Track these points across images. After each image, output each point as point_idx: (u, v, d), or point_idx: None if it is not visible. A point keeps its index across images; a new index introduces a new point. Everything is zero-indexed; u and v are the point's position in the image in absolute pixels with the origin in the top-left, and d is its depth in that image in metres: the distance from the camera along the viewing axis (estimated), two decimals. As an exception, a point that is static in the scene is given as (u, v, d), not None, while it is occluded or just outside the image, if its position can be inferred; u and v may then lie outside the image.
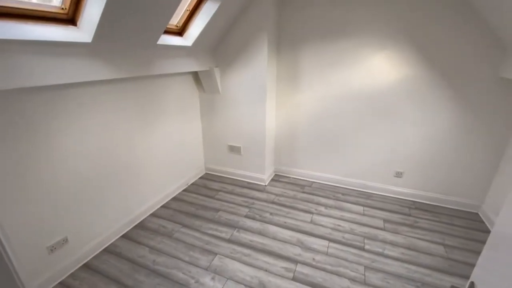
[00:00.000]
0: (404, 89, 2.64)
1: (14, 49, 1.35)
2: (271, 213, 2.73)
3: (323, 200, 2.97)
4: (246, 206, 2.86)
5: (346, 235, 2.39)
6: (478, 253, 2.12)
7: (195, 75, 3.16)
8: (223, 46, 2.96)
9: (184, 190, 3.21)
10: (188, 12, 2.43)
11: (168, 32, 2.39)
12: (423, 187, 2.87)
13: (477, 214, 2.70)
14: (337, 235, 2.39)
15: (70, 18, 1.62)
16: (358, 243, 2.28)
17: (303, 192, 3.16)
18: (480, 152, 2.54)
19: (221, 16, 2.50)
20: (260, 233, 2.42)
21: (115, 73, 1.91)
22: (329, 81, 2.92)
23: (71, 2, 1.56)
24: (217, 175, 3.60)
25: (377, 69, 2.68)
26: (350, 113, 2.94)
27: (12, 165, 1.58)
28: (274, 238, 2.35)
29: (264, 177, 3.33)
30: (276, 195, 3.10)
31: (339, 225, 2.54)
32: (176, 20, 2.45)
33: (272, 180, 3.47)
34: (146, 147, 2.60)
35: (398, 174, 2.94)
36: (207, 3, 2.37)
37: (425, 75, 2.52)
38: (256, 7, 2.65)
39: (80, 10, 1.60)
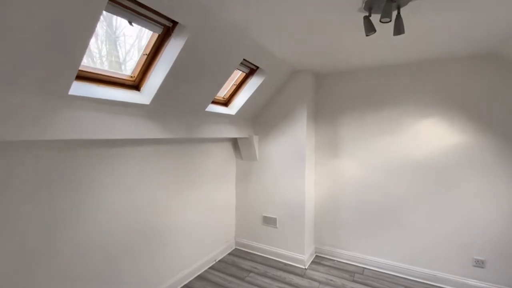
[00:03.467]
0: (464, 158, 2.35)
1: (88, 106, 1.48)
2: (316, 307, 2.16)
3: (382, 294, 2.34)
4: (284, 294, 2.34)
5: None
6: None
7: (235, 142, 3.24)
8: (263, 116, 3.10)
9: (210, 268, 2.80)
10: (234, 86, 2.67)
11: (215, 102, 2.58)
12: (521, 285, 2.17)
13: None
14: None
15: (135, 84, 1.82)
16: None
17: (354, 281, 2.56)
18: None
19: (263, 89, 2.70)
20: (305, 335, 1.85)
21: (166, 133, 1.99)
22: (372, 150, 2.76)
23: (139, 71, 1.78)
24: (248, 252, 3.17)
25: (426, 137, 2.51)
26: (400, 184, 2.62)
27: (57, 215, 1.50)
28: None
29: (304, 258, 2.84)
30: (320, 282, 2.54)
31: (412, 334, 1.88)
32: (223, 93, 2.69)
33: (313, 262, 2.94)
34: (177, 213, 2.46)
35: (479, 263, 2.31)
36: (253, 79, 2.61)
37: (489, 143, 2.27)
38: (296, 80, 2.87)
39: (146, 79, 1.81)
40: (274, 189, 3.02)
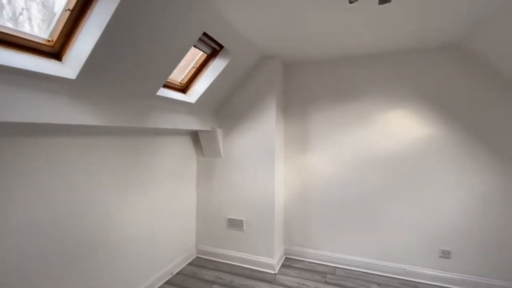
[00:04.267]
0: (431, 151, 2.35)
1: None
2: (290, 318, 1.92)
3: (356, 295, 2.21)
4: (254, 307, 2.04)
5: None
6: None
7: (195, 136, 2.85)
8: (228, 107, 2.77)
9: (166, 283, 2.38)
10: (194, 70, 2.30)
11: (170, 87, 2.18)
12: (478, 271, 2.22)
13: None
14: None
15: (55, 52, 1.35)
16: None
17: (326, 283, 2.39)
18: (543, 223, 2.06)
19: (228, 75, 2.38)
20: None
21: (103, 120, 1.54)
22: (342, 144, 2.65)
23: (60, 35, 1.32)
24: (211, 260, 2.81)
25: (396, 130, 2.46)
26: (371, 178, 2.55)
27: None
28: None
29: (273, 262, 2.59)
30: (292, 288, 2.32)
31: (391, 337, 1.74)
32: (180, 77, 2.30)
33: (283, 265, 2.71)
34: (126, 220, 2.00)
35: (445, 254, 2.32)
36: (216, 61, 2.27)
37: (454, 135, 2.29)
38: (264, 68, 2.61)
39: (70, 44, 1.35)
40: (241, 188, 2.72)
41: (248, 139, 2.68)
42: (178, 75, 2.30)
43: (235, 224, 2.75)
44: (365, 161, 2.57)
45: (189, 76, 2.31)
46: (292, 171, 2.87)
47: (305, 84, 2.80)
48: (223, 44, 2.08)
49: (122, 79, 1.59)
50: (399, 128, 2.46)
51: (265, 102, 2.59)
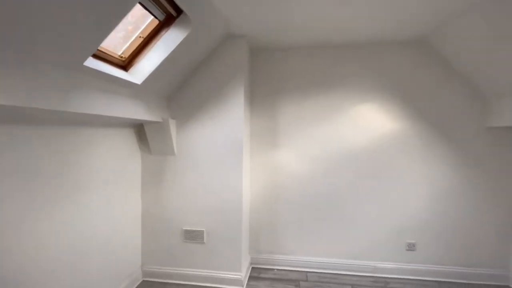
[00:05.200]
0: (398, 145, 2.35)
1: None
2: None
3: (334, 302, 2.03)
4: None
5: None
6: None
7: (139, 128, 2.25)
8: (184, 94, 2.27)
9: (102, 326, 1.76)
10: (141, 40, 1.74)
11: (106, 60, 1.58)
12: (442, 260, 2.32)
13: (509, 287, 2.22)
14: None
15: None
16: None
17: (301, 292, 2.16)
18: (492, 209, 2.25)
19: (185, 52, 1.89)
20: None
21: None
22: (314, 138, 2.46)
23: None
24: (163, 283, 2.27)
25: (364, 125, 2.39)
26: (341, 175, 2.43)
27: None
28: None
29: (241, 276, 2.22)
30: (266, 305, 2.00)
31: None
32: (121, 48, 1.71)
33: (251, 278, 2.37)
34: (38, 245, 1.34)
35: (411, 247, 2.35)
36: (171, 31, 1.76)
37: (417, 129, 2.33)
38: (230, 50, 2.20)
39: None
40: (200, 192, 2.26)
41: (209, 132, 2.23)
42: (118, 47, 1.71)
43: (193, 236, 2.27)
44: (335, 157, 2.44)
45: (133, 48, 1.74)
46: (258, 169, 2.54)
47: (274, 73, 2.51)
48: (182, 8, 1.59)
49: (30, 38, 0.98)
50: (367, 123, 2.39)
51: (231, 89, 2.19)
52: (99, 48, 1.46)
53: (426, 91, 2.32)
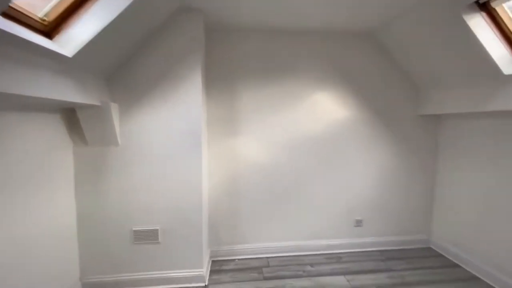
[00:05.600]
0: (348, 131, 2.52)
1: None
2: None
3: (297, 284, 2.10)
4: None
5: (363, 332, 1.60)
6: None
7: (70, 114, 1.82)
8: (129, 73, 1.92)
9: None
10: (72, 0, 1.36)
11: (22, 23, 1.17)
12: (383, 232, 2.64)
13: (429, 248, 2.68)
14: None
15: None
16: None
17: (265, 279, 2.16)
18: (418, 186, 2.64)
19: (131, 20, 1.57)
20: None
21: None
22: (274, 125, 2.44)
23: None
24: (110, 294, 1.97)
25: (320, 112, 2.48)
26: (298, 161, 2.49)
27: None
28: None
29: (203, 272, 2.10)
30: (231, 298, 1.93)
31: (342, 318, 1.72)
32: (43, 9, 1.31)
33: (212, 272, 2.26)
34: None
35: (358, 223, 2.60)
36: (111, -8, 1.42)
37: (365, 116, 2.53)
38: (184, 24, 1.94)
39: None
40: (153, 187, 2.00)
41: (162, 119, 1.96)
42: (38, 8, 1.30)
43: (146, 236, 2.02)
44: (293, 144, 2.47)
45: (61, 10, 1.35)
46: (216, 158, 2.40)
47: (230, 55, 2.35)
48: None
49: None
50: (322, 110, 2.49)
51: (186, 69, 1.95)
52: (11, 4, 1.07)
53: (371, 81, 2.52)
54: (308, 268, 2.32)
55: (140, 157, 1.97)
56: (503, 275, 1.95)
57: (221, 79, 2.35)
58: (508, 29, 1.67)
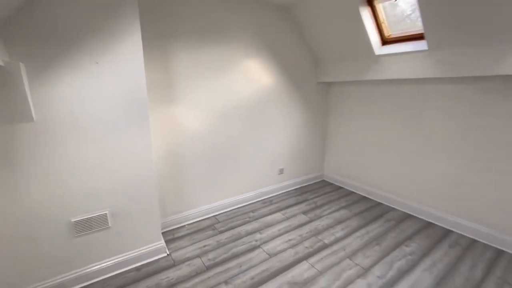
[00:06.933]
0: (272, 95, 2.93)
1: None
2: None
3: (248, 228, 2.48)
4: (187, 301, 1.63)
5: (306, 243, 2.22)
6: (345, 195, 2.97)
7: None
8: (38, 22, 1.40)
9: None
10: None
11: None
12: (297, 174, 3.40)
13: (323, 180, 3.72)
14: (302, 250, 2.14)
15: None
16: (320, 243, 2.22)
17: (220, 232, 2.41)
18: (318, 136, 3.51)
19: None
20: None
21: None
22: (212, 91, 2.47)
23: None
24: (54, 300, 1.64)
25: (251, 78, 2.72)
26: (234, 125, 2.70)
27: None
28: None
29: (163, 243, 2.08)
30: (198, 256, 2.08)
31: (290, 239, 2.28)
32: None
33: (168, 242, 2.26)
34: None
35: (281, 171, 3.22)
36: None
37: (284, 82, 2.99)
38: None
39: None
40: (93, 166, 1.69)
41: (94, 83, 1.61)
42: None
43: (91, 224, 1.74)
44: (227, 109, 2.62)
45: None
46: (157, 128, 2.22)
47: (162, 14, 2.08)
48: None
49: None
50: (252, 76, 2.73)
51: (121, 21, 1.62)
52: None
53: (288, 52, 2.96)
54: (252, 214, 2.74)
55: (68, 133, 1.58)
56: (372, 188, 3.10)
57: (154, 39, 2.08)
58: (381, 23, 2.44)
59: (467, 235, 2.27)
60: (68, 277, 1.70)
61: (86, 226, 1.72)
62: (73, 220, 1.67)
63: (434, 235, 2.31)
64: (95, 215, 1.74)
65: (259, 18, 2.64)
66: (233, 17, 2.47)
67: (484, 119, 2.08)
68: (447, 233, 2.33)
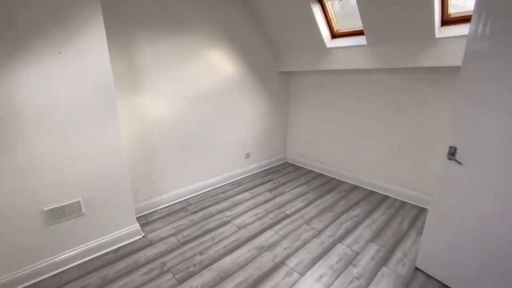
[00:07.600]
0: (237, 84, 3.11)
1: None
2: (194, 264, 2.02)
3: (219, 207, 2.70)
4: (151, 280, 1.82)
5: (271, 215, 2.52)
6: (304, 174, 3.37)
7: None
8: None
9: None
10: None
11: None
12: (262, 157, 3.68)
13: (286, 162, 4.06)
14: (268, 221, 2.44)
15: None
16: (282, 215, 2.54)
17: (193, 213, 2.60)
18: (281, 122, 3.80)
19: None
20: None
21: None
22: (176, 80, 2.56)
23: None
24: (30, 286, 1.70)
25: (216, 67, 2.85)
26: (201, 113, 2.84)
27: None
28: (239, 266, 1.87)
29: (138, 225, 2.21)
30: (174, 234, 2.25)
31: (257, 213, 2.56)
32: None
33: (142, 226, 2.38)
34: None
35: (248, 155, 3.47)
36: None
37: (248, 71, 3.18)
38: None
39: None
40: (63, 156, 1.73)
41: (59, 74, 1.63)
42: None
43: (64, 212, 1.80)
44: (195, 97, 2.74)
45: None
46: (127, 117, 2.27)
47: (126, 4, 2.10)
48: None
49: None
50: (217, 66, 2.87)
51: (81, 10, 1.65)
52: None
53: (250, 43, 3.13)
54: (222, 195, 2.96)
55: (36, 124, 1.60)
56: (327, 165, 3.51)
57: (116, 29, 2.09)
58: (330, 19, 2.74)
59: (400, 198, 2.79)
60: (42, 265, 1.75)
61: (59, 214, 1.78)
62: (45, 209, 1.71)
63: (375, 200, 2.79)
64: (67, 203, 1.80)
65: (222, 11, 2.76)
66: (197, 9, 2.55)
67: (412, 103, 2.54)
68: (385, 198, 2.83)
